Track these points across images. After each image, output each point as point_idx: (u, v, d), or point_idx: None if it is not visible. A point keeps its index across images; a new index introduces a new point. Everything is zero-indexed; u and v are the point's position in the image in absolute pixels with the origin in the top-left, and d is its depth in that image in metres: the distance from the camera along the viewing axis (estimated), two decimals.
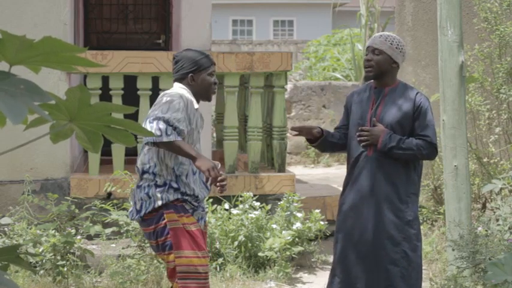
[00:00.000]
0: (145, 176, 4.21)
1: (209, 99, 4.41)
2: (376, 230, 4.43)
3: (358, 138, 4.48)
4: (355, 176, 4.54)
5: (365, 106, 4.55)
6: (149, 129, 4.00)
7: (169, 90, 4.31)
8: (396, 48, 4.48)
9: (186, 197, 4.20)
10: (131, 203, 4.32)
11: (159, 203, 4.16)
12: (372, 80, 4.57)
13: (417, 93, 4.52)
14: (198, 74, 4.29)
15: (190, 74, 4.28)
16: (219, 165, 4.14)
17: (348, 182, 4.59)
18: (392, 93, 4.51)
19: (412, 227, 4.46)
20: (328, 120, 11.96)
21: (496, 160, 6.92)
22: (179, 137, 4.07)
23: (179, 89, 4.29)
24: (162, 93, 4.27)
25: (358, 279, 4.46)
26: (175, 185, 4.19)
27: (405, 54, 4.57)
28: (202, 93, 4.32)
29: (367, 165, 4.49)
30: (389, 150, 4.42)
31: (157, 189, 4.17)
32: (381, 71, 4.48)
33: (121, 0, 9.37)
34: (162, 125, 4.02)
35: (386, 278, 4.41)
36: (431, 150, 4.46)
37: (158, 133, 4.01)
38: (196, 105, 4.28)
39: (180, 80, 4.32)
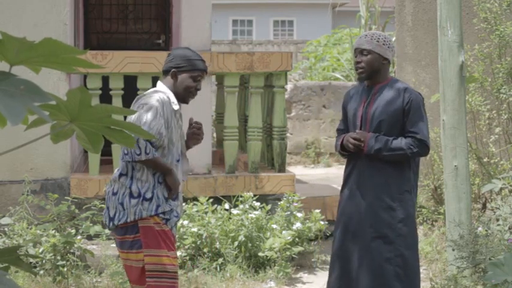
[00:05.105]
0: (121, 179, 4.21)
1: (186, 102, 4.35)
2: (370, 228, 4.44)
3: (350, 148, 4.50)
4: (350, 173, 4.57)
5: (357, 105, 4.56)
6: None
7: (148, 92, 4.29)
8: (383, 44, 4.47)
9: (159, 210, 4.19)
10: (105, 206, 4.32)
11: (132, 218, 4.18)
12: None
13: (406, 89, 4.48)
14: (182, 72, 4.25)
15: (173, 70, 4.26)
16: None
17: (345, 179, 4.62)
18: (382, 90, 4.50)
19: (406, 224, 4.43)
20: (328, 120, 11.95)
21: (496, 160, 6.92)
22: (156, 152, 4.12)
23: (159, 87, 4.28)
24: (139, 98, 4.24)
25: (353, 276, 4.47)
26: (149, 195, 4.18)
27: (394, 49, 4.55)
28: (179, 94, 4.28)
29: (360, 162, 4.51)
30: (376, 152, 4.40)
31: (132, 202, 4.18)
32: (373, 70, 4.48)
33: (121, 0, 9.36)
34: (141, 143, 4.07)
35: (380, 276, 4.41)
36: (421, 148, 4.42)
37: (138, 151, 4.07)
38: (176, 106, 4.26)
39: (165, 72, 4.31)
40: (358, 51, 4.49)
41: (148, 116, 4.09)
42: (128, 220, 4.18)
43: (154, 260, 4.16)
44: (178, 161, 4.30)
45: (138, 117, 4.11)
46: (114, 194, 4.24)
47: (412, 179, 4.51)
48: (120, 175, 4.23)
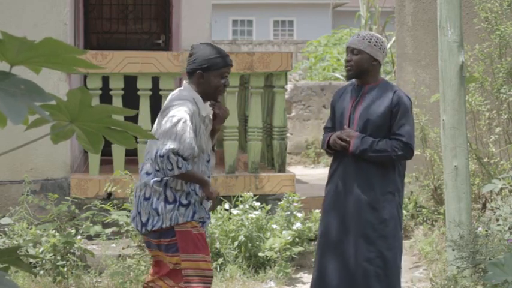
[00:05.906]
0: (155, 185, 4.10)
1: (215, 100, 4.25)
2: (352, 228, 4.45)
3: (334, 146, 4.51)
4: (335, 171, 4.60)
5: (346, 104, 4.59)
6: (159, 162, 3.97)
7: (178, 99, 4.12)
8: (375, 45, 4.49)
9: (195, 217, 4.14)
10: (135, 210, 4.20)
11: (168, 223, 4.09)
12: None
13: (396, 91, 4.50)
14: (208, 72, 4.12)
15: (199, 71, 4.13)
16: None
17: (330, 177, 4.65)
18: (371, 91, 4.53)
19: (388, 225, 4.43)
20: None
21: (496, 160, 6.92)
22: (189, 165, 4.01)
23: (186, 91, 4.16)
24: (166, 108, 4.10)
25: (334, 275, 4.48)
26: (185, 201, 4.11)
27: (386, 51, 4.57)
28: (208, 93, 4.17)
29: (345, 161, 4.53)
30: (361, 153, 4.42)
31: (167, 207, 4.09)
32: (361, 70, 4.51)
33: (121, 0, 9.37)
34: (172, 158, 3.95)
35: (360, 276, 4.42)
36: (406, 151, 4.44)
37: (169, 167, 3.96)
38: (204, 112, 4.16)
39: (190, 74, 4.17)
40: (349, 50, 4.54)
41: (179, 130, 3.97)
42: (164, 226, 4.09)
43: (192, 265, 4.10)
44: (208, 161, 4.24)
45: (168, 131, 3.99)
46: (147, 199, 4.12)
47: (398, 181, 4.52)
48: (155, 181, 4.11)
